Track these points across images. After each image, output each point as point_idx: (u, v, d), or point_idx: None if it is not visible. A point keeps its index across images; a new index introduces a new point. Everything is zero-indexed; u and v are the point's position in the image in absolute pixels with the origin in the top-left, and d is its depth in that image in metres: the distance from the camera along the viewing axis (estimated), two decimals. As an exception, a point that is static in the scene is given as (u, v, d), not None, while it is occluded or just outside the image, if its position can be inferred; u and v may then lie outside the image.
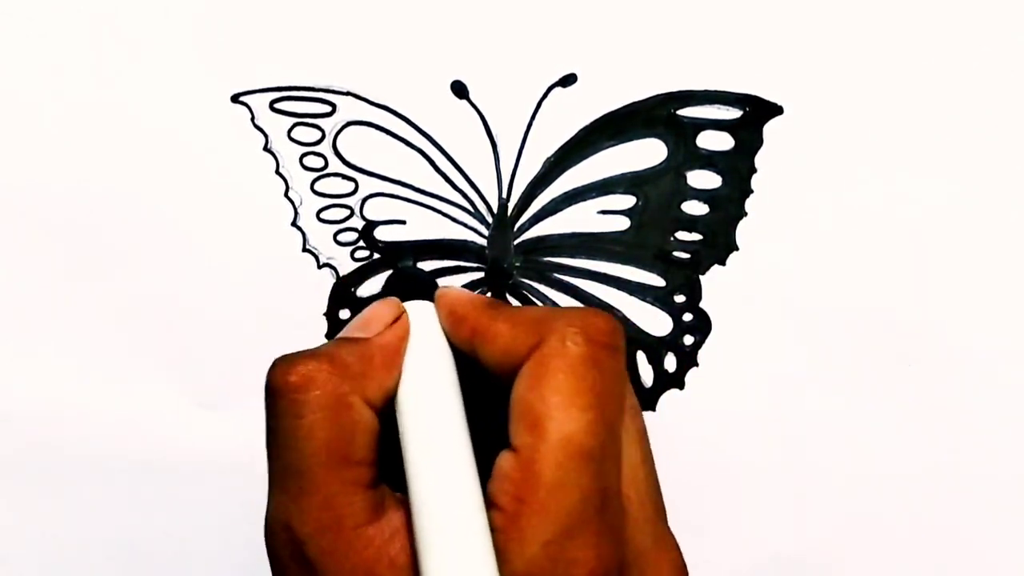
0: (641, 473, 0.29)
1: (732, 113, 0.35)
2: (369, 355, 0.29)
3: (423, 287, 0.31)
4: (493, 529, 0.26)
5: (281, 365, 0.28)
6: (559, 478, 0.26)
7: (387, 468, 0.29)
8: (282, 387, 0.28)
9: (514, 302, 0.36)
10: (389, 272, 0.36)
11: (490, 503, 0.27)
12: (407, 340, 0.29)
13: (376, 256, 0.36)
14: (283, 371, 0.28)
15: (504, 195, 0.35)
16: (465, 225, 0.36)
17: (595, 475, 0.26)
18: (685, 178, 0.35)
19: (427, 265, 0.36)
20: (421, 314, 0.30)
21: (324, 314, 0.36)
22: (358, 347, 0.29)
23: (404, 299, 0.31)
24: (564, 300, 0.36)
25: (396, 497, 0.28)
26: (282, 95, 0.35)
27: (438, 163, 0.35)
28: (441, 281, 0.35)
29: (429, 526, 0.26)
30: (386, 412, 0.29)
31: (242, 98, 0.35)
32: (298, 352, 0.28)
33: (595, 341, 0.27)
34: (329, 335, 0.37)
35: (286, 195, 0.36)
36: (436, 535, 0.26)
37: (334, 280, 0.36)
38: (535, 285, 0.36)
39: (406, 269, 0.36)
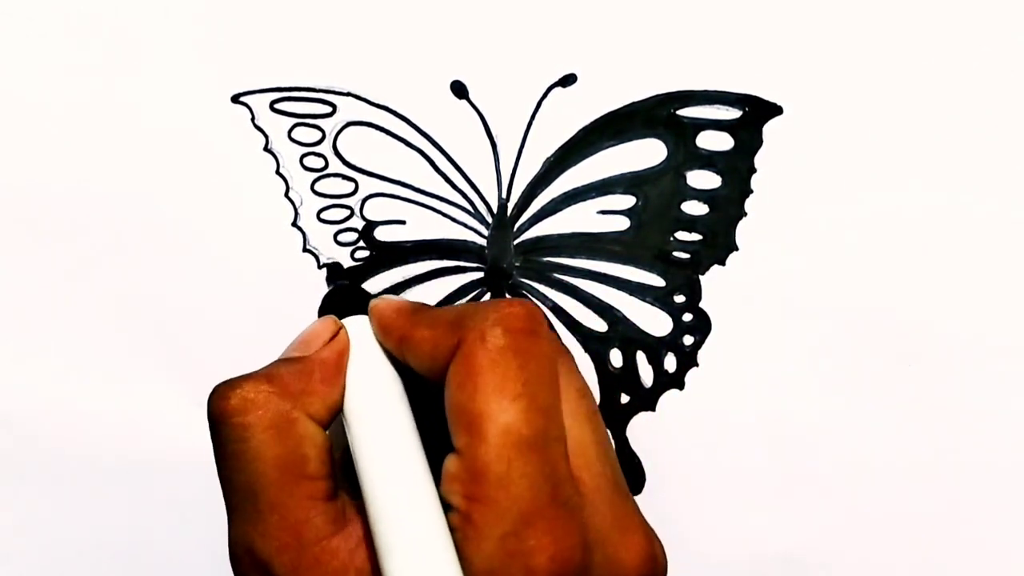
0: (593, 453, 0.28)
1: (732, 113, 0.35)
2: (309, 371, 0.29)
3: (360, 302, 0.32)
4: (451, 529, 0.26)
5: (219, 390, 0.28)
6: (503, 471, 0.26)
7: (351, 480, 0.29)
8: (223, 412, 0.28)
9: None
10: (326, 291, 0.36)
11: (444, 506, 0.27)
12: (347, 355, 0.30)
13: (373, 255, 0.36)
14: (222, 396, 0.28)
15: (504, 195, 0.35)
16: (465, 225, 0.36)
17: (539, 462, 0.26)
18: (685, 178, 0.35)
19: (427, 265, 0.36)
20: (358, 328, 0.31)
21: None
22: (297, 365, 0.29)
23: (342, 315, 0.31)
24: (564, 300, 0.36)
25: (356, 506, 0.28)
26: (282, 95, 0.35)
27: (438, 163, 0.35)
28: (434, 284, 0.35)
29: (388, 533, 0.27)
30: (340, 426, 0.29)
31: (242, 98, 0.35)
32: (237, 376, 0.28)
33: (512, 330, 0.27)
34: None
35: (286, 195, 0.36)
36: (396, 541, 0.26)
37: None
38: (535, 285, 0.36)
39: (340, 285, 0.36)
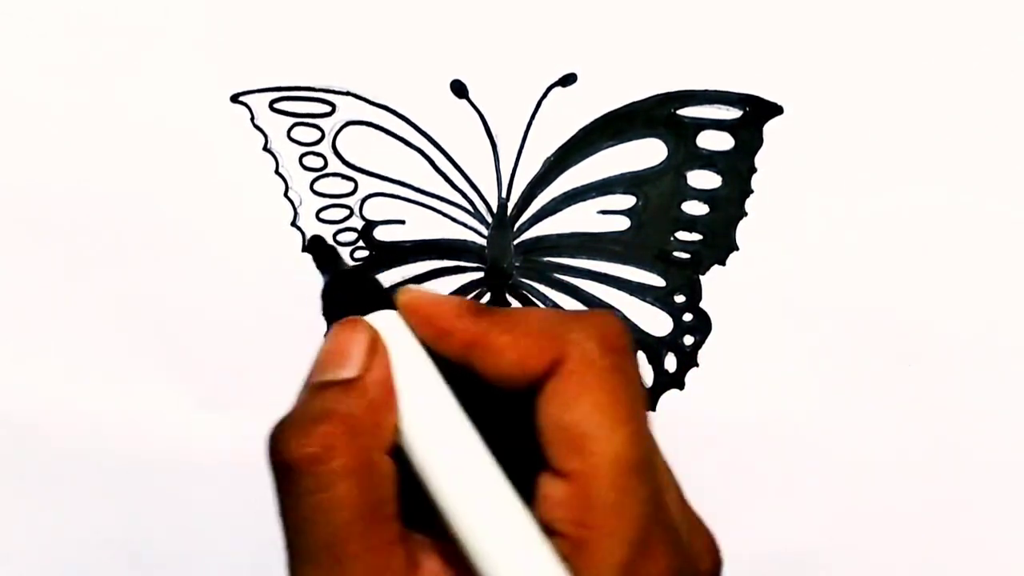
0: (661, 461, 0.28)
1: (732, 113, 0.35)
2: (369, 399, 0.26)
3: (371, 291, 0.28)
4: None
5: (291, 435, 0.25)
6: (618, 499, 0.25)
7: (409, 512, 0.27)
8: (300, 461, 0.25)
9: (514, 302, 0.36)
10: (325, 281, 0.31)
11: (546, 531, 0.25)
12: (391, 365, 0.26)
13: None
14: (297, 443, 0.25)
15: (504, 195, 0.35)
16: (465, 225, 0.36)
17: (648, 487, 0.25)
18: (685, 178, 0.35)
19: (426, 265, 0.36)
20: (391, 328, 0.27)
21: (323, 314, 0.36)
22: (354, 392, 0.26)
23: (363, 311, 0.27)
24: (564, 300, 0.36)
25: (422, 540, 0.26)
26: (282, 95, 0.35)
27: (438, 163, 0.35)
28: (434, 283, 0.35)
29: (494, 565, 0.25)
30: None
31: (242, 98, 0.35)
32: (299, 416, 0.26)
33: (615, 348, 0.26)
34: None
35: (286, 195, 0.36)
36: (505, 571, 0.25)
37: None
38: (534, 285, 0.36)
39: (345, 270, 0.30)
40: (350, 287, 0.28)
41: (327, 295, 0.29)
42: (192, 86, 0.35)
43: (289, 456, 0.25)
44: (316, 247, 0.30)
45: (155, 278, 0.36)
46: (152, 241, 0.36)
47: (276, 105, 0.35)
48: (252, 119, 0.35)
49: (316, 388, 0.26)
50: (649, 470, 0.26)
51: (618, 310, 0.36)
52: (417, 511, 0.26)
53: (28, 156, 0.36)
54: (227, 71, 0.35)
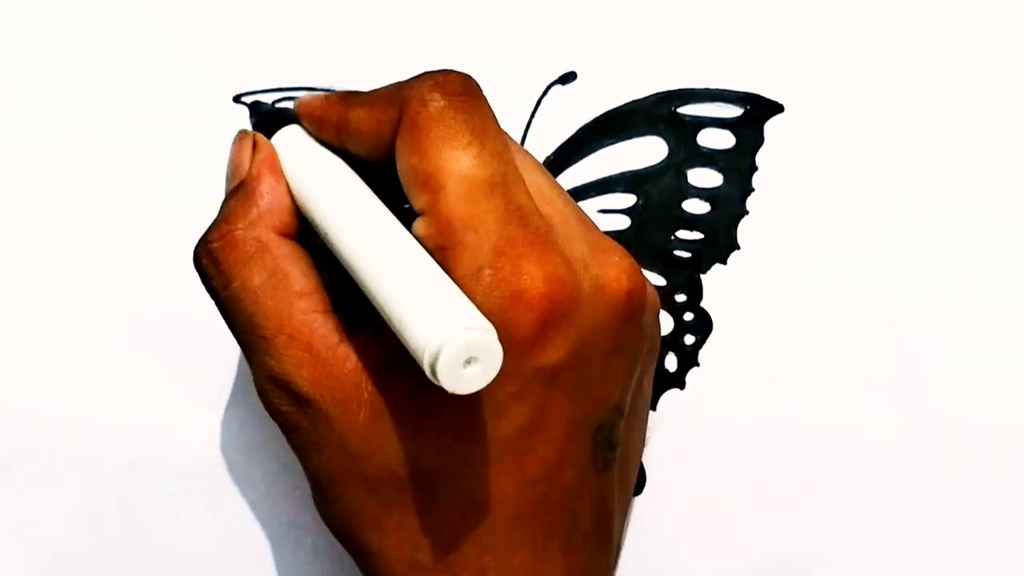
0: (552, 193, 0.29)
1: (733, 111, 0.35)
2: (251, 191, 0.29)
3: (288, 118, 0.32)
4: None
5: (196, 253, 0.29)
6: (467, 211, 0.26)
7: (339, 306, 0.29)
8: (204, 268, 0.29)
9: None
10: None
11: None
12: (276, 158, 0.30)
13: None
14: (198, 256, 0.29)
15: (503, 193, 0.35)
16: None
17: (503, 198, 0.27)
18: (686, 176, 0.35)
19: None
20: (291, 135, 0.31)
21: None
22: (240, 193, 0.30)
23: (271, 134, 0.31)
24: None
25: (350, 319, 0.29)
26: (283, 95, 0.35)
27: (437, 161, 0.35)
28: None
29: (389, 279, 0.26)
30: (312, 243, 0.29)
31: (244, 98, 0.35)
32: (202, 235, 0.29)
33: (453, 92, 0.28)
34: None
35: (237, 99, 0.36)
36: (401, 287, 0.26)
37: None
38: (534, 284, 0.36)
39: (265, 110, 0.35)
40: (267, 120, 0.34)
41: (258, 126, 0.34)
42: (192, 85, 0.35)
43: (197, 267, 0.29)
44: (244, 103, 0.35)
45: (155, 278, 0.36)
46: (152, 241, 0.36)
47: (278, 105, 0.35)
48: (252, 119, 0.35)
49: (222, 202, 0.30)
50: (502, 186, 0.27)
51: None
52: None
53: (28, 156, 0.36)
54: (227, 70, 0.35)
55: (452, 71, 0.29)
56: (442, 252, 0.27)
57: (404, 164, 0.27)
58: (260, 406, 0.29)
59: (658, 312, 0.32)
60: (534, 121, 0.35)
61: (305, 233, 0.30)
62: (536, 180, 0.29)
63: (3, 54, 0.35)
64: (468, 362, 0.24)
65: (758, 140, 0.35)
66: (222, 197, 0.31)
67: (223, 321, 0.30)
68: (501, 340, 0.24)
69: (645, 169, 0.35)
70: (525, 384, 0.27)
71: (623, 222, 0.35)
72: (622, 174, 0.35)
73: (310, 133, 0.31)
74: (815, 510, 0.36)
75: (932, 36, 0.34)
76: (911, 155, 0.34)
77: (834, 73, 0.34)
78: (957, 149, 0.34)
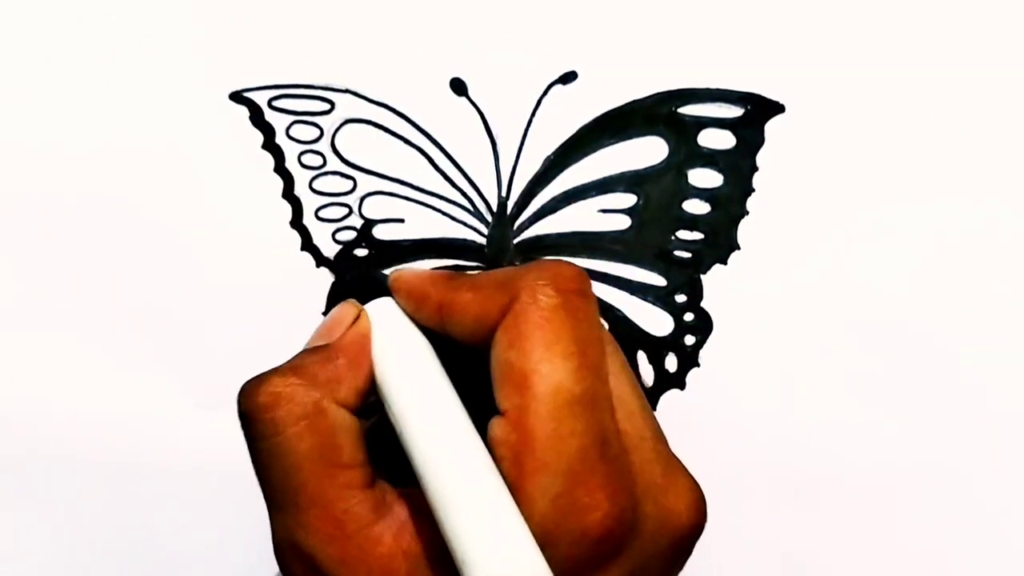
0: (635, 407, 0.28)
1: (733, 111, 0.34)
2: (333, 358, 0.28)
3: (376, 286, 0.31)
4: None
5: (248, 388, 0.28)
6: (553, 430, 0.26)
7: (389, 469, 0.29)
8: (253, 410, 0.28)
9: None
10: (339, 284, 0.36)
11: None
12: (370, 336, 0.29)
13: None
14: (251, 394, 0.28)
15: (504, 193, 0.35)
16: (464, 224, 0.36)
17: (589, 420, 0.26)
18: (686, 176, 0.35)
19: (426, 263, 0.36)
20: (383, 309, 0.30)
21: (323, 313, 0.36)
22: (321, 353, 0.29)
23: (363, 301, 0.30)
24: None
25: (396, 492, 0.28)
26: (281, 93, 0.35)
27: (437, 161, 0.35)
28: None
29: (453, 507, 0.26)
30: (375, 412, 0.29)
31: (244, 95, 0.35)
32: (264, 372, 0.28)
33: (565, 290, 0.27)
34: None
35: (287, 194, 0.36)
36: (462, 514, 0.25)
37: (332, 279, 0.36)
38: (534, 284, 0.36)
39: (354, 275, 0.35)
40: (356, 285, 0.33)
41: (341, 294, 0.34)
42: (192, 85, 0.35)
43: (245, 405, 0.28)
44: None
45: (155, 278, 0.36)
46: (152, 241, 0.36)
47: (275, 103, 0.35)
48: (251, 117, 0.35)
49: (298, 353, 0.29)
50: (592, 406, 0.26)
51: (619, 310, 0.36)
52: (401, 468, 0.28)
53: (28, 157, 0.36)
54: (226, 70, 0.35)
55: (568, 264, 0.28)
56: (518, 463, 0.26)
57: (500, 356, 0.27)
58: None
59: None
60: (534, 121, 0.35)
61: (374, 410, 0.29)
62: (621, 389, 0.28)
63: (3, 54, 0.35)
64: None
65: (758, 140, 0.35)
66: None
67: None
68: (556, 569, 0.24)
69: (645, 169, 0.35)
70: None
71: (623, 222, 0.35)
72: (622, 174, 0.35)
73: (403, 310, 0.30)
74: (814, 509, 0.36)
75: (932, 36, 0.34)
76: (911, 155, 0.34)
77: (834, 73, 0.34)
78: (957, 149, 0.34)
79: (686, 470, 0.29)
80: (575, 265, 0.28)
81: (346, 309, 0.30)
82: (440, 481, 0.26)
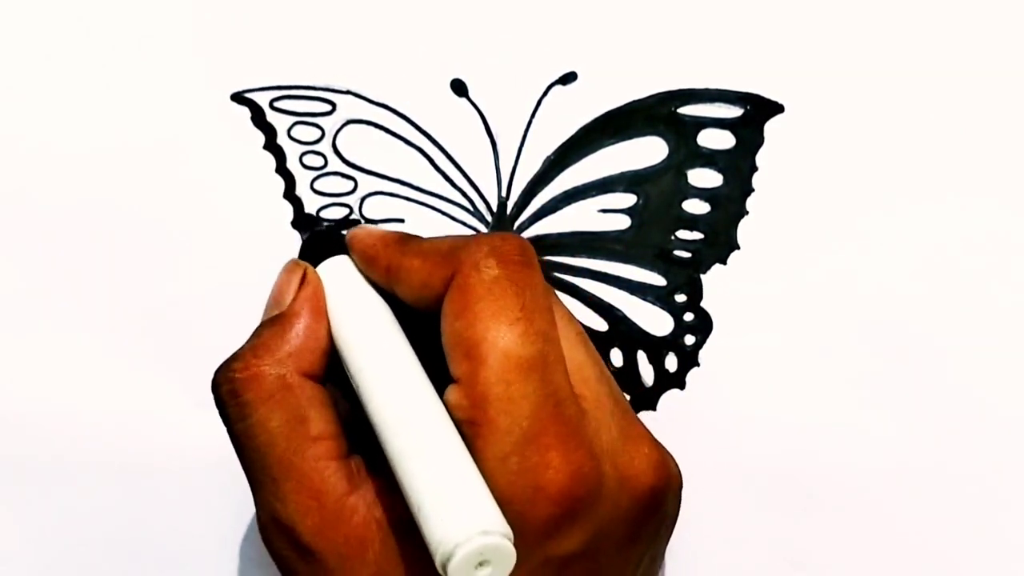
0: (590, 372, 0.29)
1: (733, 111, 0.34)
2: (289, 328, 0.29)
3: (339, 242, 0.31)
4: None
5: (217, 376, 0.29)
6: (504, 392, 0.26)
7: (360, 443, 0.29)
8: (223, 397, 0.29)
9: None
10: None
11: None
12: (322, 295, 0.30)
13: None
14: (220, 381, 0.29)
15: (503, 193, 0.35)
16: (464, 224, 0.36)
17: (540, 381, 0.26)
18: (686, 176, 0.35)
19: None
20: (338, 267, 0.30)
21: None
22: (277, 326, 0.29)
23: (321, 259, 0.31)
24: (564, 299, 0.36)
25: (368, 463, 0.28)
26: (282, 94, 0.35)
27: (437, 162, 0.35)
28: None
29: (410, 462, 0.26)
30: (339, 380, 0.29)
31: (242, 96, 0.35)
32: (228, 359, 0.29)
33: (508, 260, 0.28)
34: None
35: (290, 194, 0.36)
36: (419, 469, 0.26)
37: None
38: (535, 284, 0.36)
39: (317, 231, 0.35)
40: (318, 242, 0.32)
41: (301, 254, 0.33)
42: (191, 85, 0.35)
43: (216, 395, 0.29)
44: (297, 216, 0.35)
45: (154, 278, 0.36)
46: (152, 241, 0.36)
47: (276, 104, 0.35)
48: (252, 118, 0.35)
49: (254, 331, 0.30)
50: (543, 368, 0.27)
51: (619, 310, 0.36)
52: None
53: (28, 157, 0.36)
54: (227, 71, 0.35)
55: (510, 236, 0.29)
56: (472, 427, 0.26)
57: (449, 327, 0.27)
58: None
59: (680, 491, 0.31)
60: (534, 121, 0.35)
61: (336, 367, 0.30)
62: (576, 356, 0.29)
63: (3, 54, 0.35)
64: (480, 564, 0.24)
65: (758, 140, 0.35)
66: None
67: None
68: (516, 529, 0.25)
69: (645, 169, 0.35)
70: (534, 570, 0.26)
71: (623, 222, 0.35)
72: (622, 174, 0.35)
73: (359, 268, 0.31)
74: (814, 509, 0.36)
75: (932, 36, 0.34)
76: (911, 155, 0.34)
77: (834, 73, 0.34)
78: (957, 149, 0.34)
79: (649, 434, 0.29)
80: (517, 236, 0.29)
81: (290, 272, 0.31)
82: (397, 437, 0.26)
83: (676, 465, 0.30)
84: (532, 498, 0.26)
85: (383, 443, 0.27)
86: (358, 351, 0.28)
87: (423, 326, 0.29)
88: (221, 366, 0.29)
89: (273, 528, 0.28)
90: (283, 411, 0.28)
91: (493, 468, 0.26)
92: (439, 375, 0.28)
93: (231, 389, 0.28)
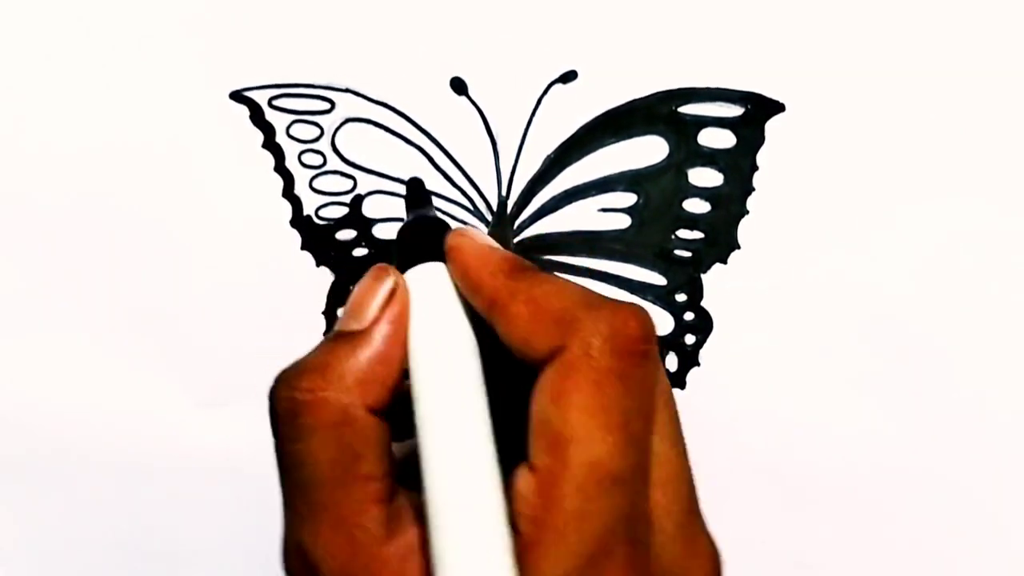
0: (673, 469, 0.26)
1: (734, 110, 0.34)
2: (363, 350, 0.26)
3: (434, 238, 0.27)
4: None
5: (277, 388, 0.26)
6: (581, 505, 0.24)
7: (409, 466, 0.27)
8: (279, 412, 0.26)
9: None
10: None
11: (510, 524, 0.24)
12: (407, 319, 0.26)
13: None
14: (278, 395, 0.26)
15: (504, 193, 0.35)
16: (464, 223, 0.36)
17: (621, 500, 0.24)
18: (686, 176, 0.35)
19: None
20: (430, 280, 0.26)
21: (323, 312, 0.36)
22: (352, 346, 0.26)
23: (412, 259, 0.27)
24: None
25: (412, 508, 0.26)
26: (281, 92, 0.35)
27: (437, 160, 0.35)
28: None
29: (447, 545, 0.24)
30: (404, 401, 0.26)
31: (242, 95, 0.35)
32: (293, 367, 0.26)
33: (622, 351, 0.24)
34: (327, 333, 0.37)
35: (289, 193, 0.36)
36: (453, 552, 0.24)
37: (332, 278, 0.36)
38: (535, 283, 0.36)
39: (419, 217, 0.29)
40: (415, 233, 0.28)
41: (398, 242, 0.28)
42: (191, 84, 0.35)
43: (274, 406, 0.26)
44: (412, 189, 0.30)
45: (155, 278, 0.36)
46: (152, 241, 0.36)
47: (275, 102, 0.35)
48: (252, 116, 0.35)
49: (329, 338, 0.27)
50: (628, 485, 0.24)
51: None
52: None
53: (28, 157, 0.36)
54: (226, 70, 0.35)
55: (635, 315, 0.25)
56: (535, 528, 0.24)
57: (540, 407, 0.24)
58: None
59: None
60: (534, 120, 0.35)
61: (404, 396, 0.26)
62: (664, 449, 0.26)
63: (3, 54, 0.35)
64: None
65: (759, 139, 0.35)
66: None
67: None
68: None
69: (646, 168, 0.35)
70: None
71: (624, 221, 0.35)
72: (623, 173, 0.35)
73: (456, 286, 0.27)
74: (816, 511, 0.36)
75: (932, 36, 0.34)
76: (911, 155, 0.34)
77: (834, 73, 0.34)
78: (957, 149, 0.34)
79: (710, 541, 0.27)
80: (643, 316, 0.25)
81: (379, 280, 0.27)
82: (443, 515, 0.24)
83: (722, 566, 0.28)
84: None
85: (426, 511, 0.25)
86: (429, 399, 0.25)
87: (516, 369, 0.26)
88: (284, 377, 0.26)
89: (296, 557, 0.26)
90: (339, 446, 0.25)
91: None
92: (514, 432, 0.25)
93: (291, 409, 0.26)
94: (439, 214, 0.31)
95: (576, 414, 0.24)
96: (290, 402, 0.26)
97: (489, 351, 0.26)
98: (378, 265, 0.27)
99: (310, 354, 0.26)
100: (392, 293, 0.27)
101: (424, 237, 0.27)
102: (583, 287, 0.26)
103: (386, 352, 0.26)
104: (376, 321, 0.26)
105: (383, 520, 0.26)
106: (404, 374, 0.26)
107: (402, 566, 0.25)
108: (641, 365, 0.25)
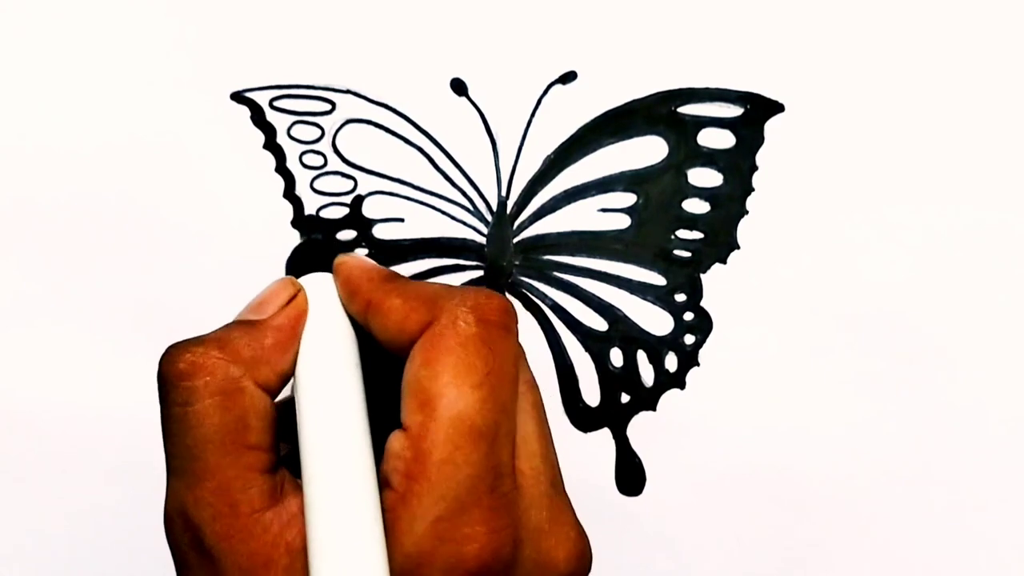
0: (536, 447, 0.29)
1: (733, 111, 0.34)
2: (261, 337, 0.29)
3: (329, 258, 0.31)
4: (384, 509, 0.26)
5: (170, 352, 0.28)
6: (448, 454, 0.26)
7: (293, 453, 0.29)
8: (170, 375, 0.28)
9: (514, 301, 0.36)
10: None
11: (382, 483, 0.27)
12: (303, 320, 0.29)
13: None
14: (171, 359, 0.28)
15: (503, 193, 0.35)
16: (464, 223, 0.36)
17: (486, 453, 0.26)
18: (686, 176, 0.35)
19: (425, 263, 0.36)
20: (320, 287, 0.30)
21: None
22: (250, 330, 0.29)
23: (307, 270, 0.31)
24: (564, 299, 0.36)
25: (295, 483, 0.28)
26: (282, 93, 0.35)
27: (437, 161, 0.35)
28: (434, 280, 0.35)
29: (318, 507, 0.26)
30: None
31: (242, 95, 0.35)
32: (188, 339, 0.28)
33: (487, 321, 0.27)
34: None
35: (290, 193, 0.36)
36: (325, 516, 0.26)
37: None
38: (534, 284, 0.36)
39: (310, 240, 0.35)
40: (309, 252, 0.33)
41: (290, 258, 0.33)
42: (192, 84, 0.35)
43: (163, 369, 0.28)
44: (307, 222, 0.35)
45: (155, 278, 0.36)
46: (153, 241, 0.36)
47: (276, 103, 0.35)
48: (252, 117, 0.35)
49: (229, 323, 0.29)
50: (491, 440, 0.26)
51: (618, 310, 0.36)
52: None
53: (28, 157, 0.36)
54: (227, 70, 0.35)
55: (496, 295, 0.28)
56: (407, 479, 0.26)
57: (412, 373, 0.27)
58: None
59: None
60: (534, 121, 0.35)
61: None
62: (527, 429, 0.29)
63: (3, 54, 0.35)
64: None
65: (758, 140, 0.35)
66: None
67: (161, 438, 0.28)
68: None
69: (645, 168, 0.35)
70: None
71: (623, 221, 0.35)
72: (622, 173, 0.35)
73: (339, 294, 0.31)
74: (815, 511, 0.36)
75: (932, 36, 0.34)
76: (911, 155, 0.34)
77: (834, 73, 0.34)
78: (957, 149, 0.34)
79: (577, 521, 0.29)
80: (504, 298, 0.28)
81: (284, 285, 0.30)
82: (317, 487, 0.27)
83: (591, 551, 0.30)
84: (450, 568, 0.26)
85: (304, 485, 0.27)
86: (310, 389, 0.28)
87: (388, 368, 0.29)
88: (177, 344, 0.28)
89: (179, 521, 0.27)
90: (228, 411, 0.27)
91: (418, 527, 0.26)
92: (391, 417, 0.28)
93: (182, 370, 0.27)
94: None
95: (443, 374, 0.27)
96: (185, 363, 0.27)
97: (366, 356, 0.29)
98: (285, 276, 0.31)
99: (204, 334, 0.29)
100: (293, 298, 0.30)
101: (317, 252, 0.32)
102: (446, 284, 0.29)
103: (280, 342, 0.29)
104: (276, 315, 0.29)
105: (267, 489, 0.27)
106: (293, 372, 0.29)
107: (283, 532, 0.27)
108: (505, 338, 0.28)
